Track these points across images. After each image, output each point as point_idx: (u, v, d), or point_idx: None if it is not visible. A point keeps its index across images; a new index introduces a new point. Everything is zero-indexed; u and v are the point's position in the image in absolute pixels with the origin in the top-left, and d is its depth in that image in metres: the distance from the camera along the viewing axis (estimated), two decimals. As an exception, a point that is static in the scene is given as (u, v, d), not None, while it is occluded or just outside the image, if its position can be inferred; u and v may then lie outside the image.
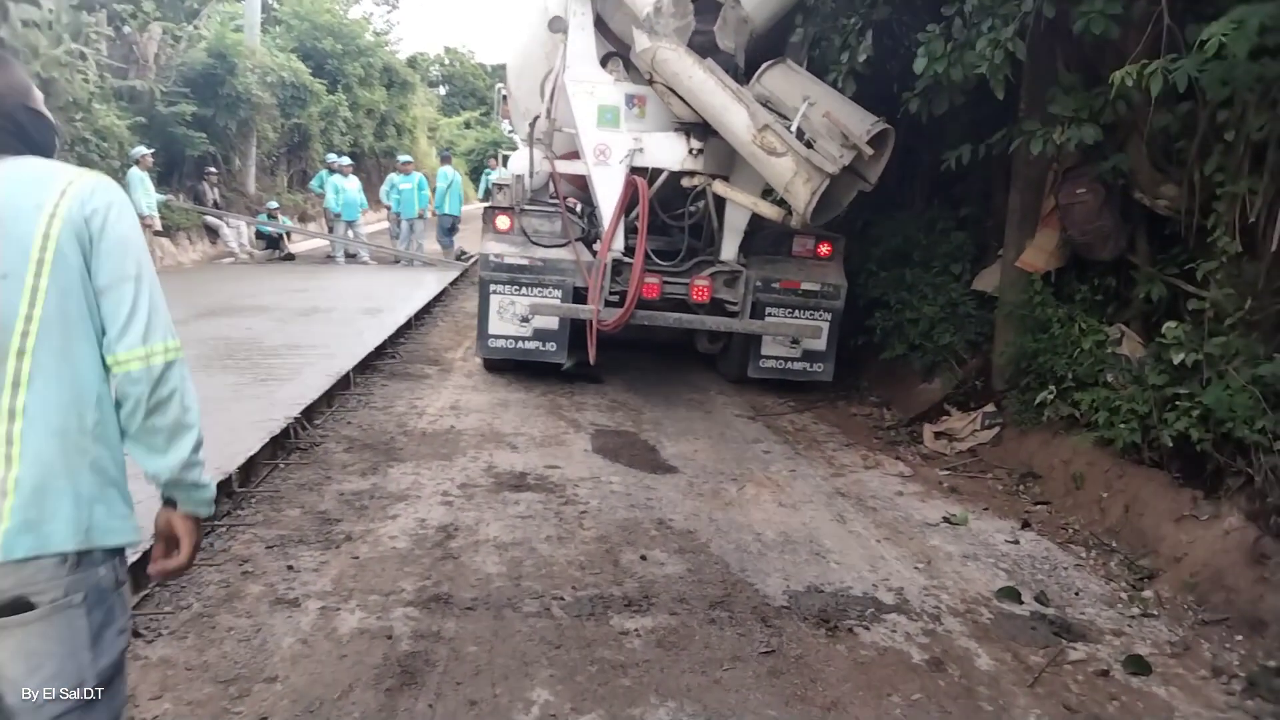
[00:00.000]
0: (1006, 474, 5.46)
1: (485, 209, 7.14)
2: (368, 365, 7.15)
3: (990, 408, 6.07)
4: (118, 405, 1.59)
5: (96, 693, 1.54)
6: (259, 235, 15.77)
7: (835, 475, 5.43)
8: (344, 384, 6.46)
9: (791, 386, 7.58)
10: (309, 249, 16.65)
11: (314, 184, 17.23)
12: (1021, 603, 3.80)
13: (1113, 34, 4.52)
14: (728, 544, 4.22)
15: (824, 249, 6.97)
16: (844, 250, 7.06)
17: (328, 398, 6.05)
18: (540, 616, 3.40)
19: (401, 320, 8.79)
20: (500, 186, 7.41)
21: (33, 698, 1.47)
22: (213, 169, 14.92)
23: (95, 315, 1.55)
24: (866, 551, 4.26)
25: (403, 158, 15.60)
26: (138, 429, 1.58)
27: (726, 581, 3.82)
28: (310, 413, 5.64)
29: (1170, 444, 4.28)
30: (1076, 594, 3.93)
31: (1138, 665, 3.28)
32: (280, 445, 5.02)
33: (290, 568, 3.64)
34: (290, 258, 15.62)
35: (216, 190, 15.11)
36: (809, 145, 5.26)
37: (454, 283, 12.58)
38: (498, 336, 6.76)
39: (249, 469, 4.49)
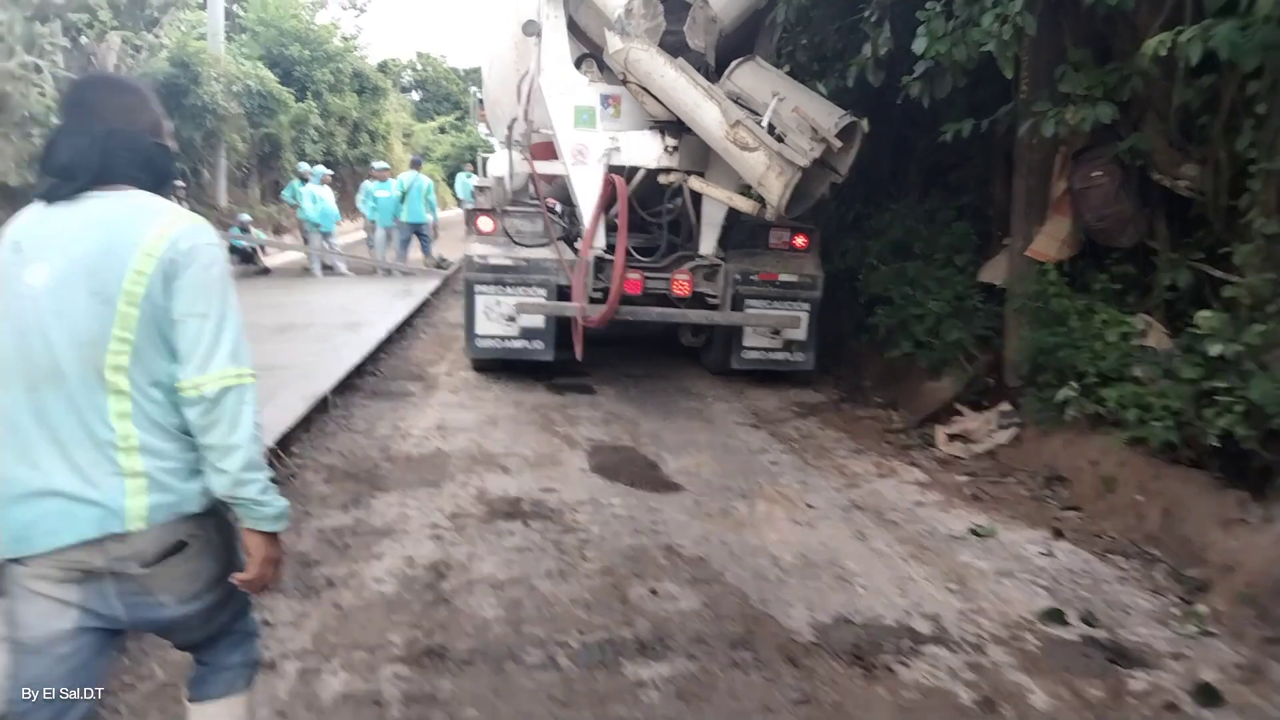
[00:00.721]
0: (1029, 477, 5.16)
1: (467, 212, 7.11)
2: (347, 385, 6.76)
3: (1005, 406, 5.77)
4: (191, 426, 1.81)
5: (229, 585, 1.93)
6: (232, 250, 15.29)
7: (849, 486, 5.12)
8: (322, 407, 6.07)
9: (790, 388, 7.31)
10: (284, 262, 16.18)
11: (286, 194, 16.74)
12: (1068, 625, 3.50)
13: (1128, 5, 4.23)
14: (744, 571, 3.89)
15: (800, 240, 7.08)
16: (820, 242, 7.18)
17: (305, 423, 5.66)
18: (545, 668, 3.06)
19: (382, 335, 8.40)
20: (482, 189, 7.52)
21: (190, 591, 1.87)
22: (179, 182, 14.42)
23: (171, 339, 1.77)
24: (893, 572, 3.95)
25: (378, 164, 15.16)
26: (199, 444, 1.80)
27: (746, 616, 3.49)
28: (287, 441, 5.25)
29: (1215, 443, 3.98)
30: (1125, 612, 3.63)
31: (1208, 695, 2.97)
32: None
33: (266, 622, 3.27)
34: (265, 272, 15.16)
35: (185, 204, 14.64)
36: (780, 140, 5.33)
37: (436, 292, 12.18)
38: (485, 336, 6.84)
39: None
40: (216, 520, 1.90)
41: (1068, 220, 5.29)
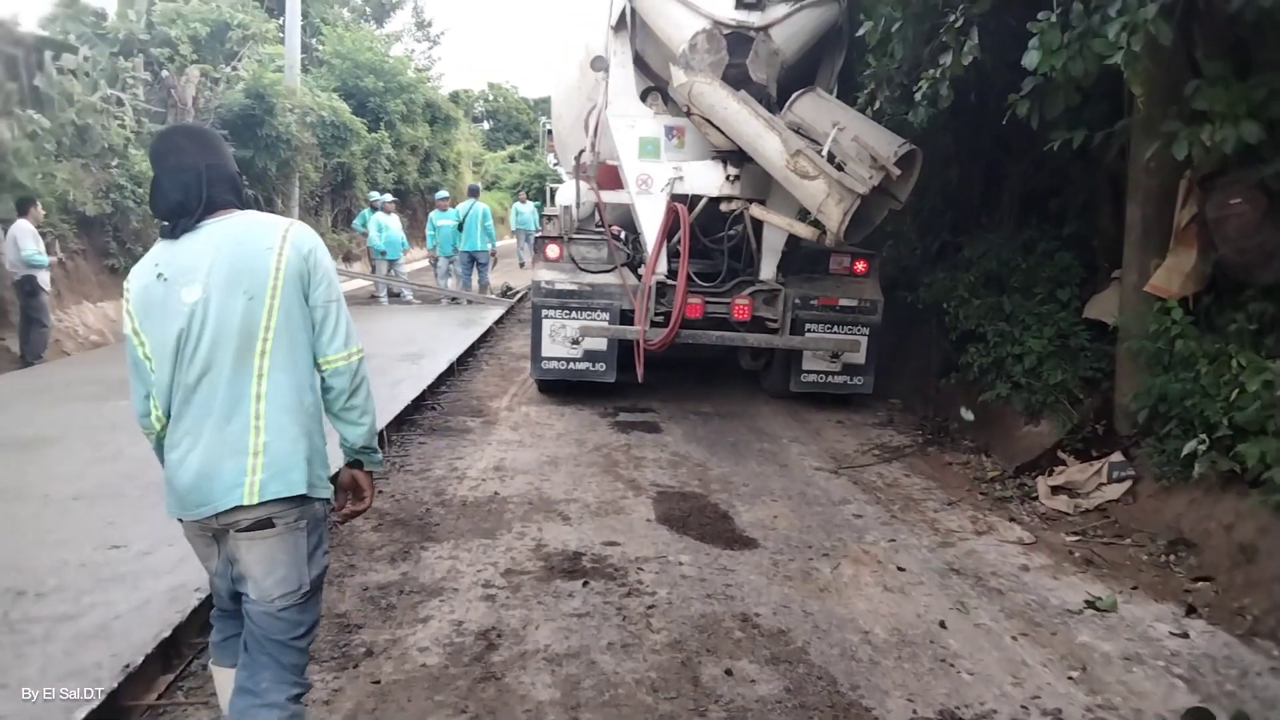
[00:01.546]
0: (1149, 539, 4.59)
1: (536, 239, 7.43)
2: (404, 420, 6.52)
3: (1117, 457, 5.20)
4: (325, 392, 2.21)
5: (309, 595, 2.15)
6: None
7: (943, 545, 4.61)
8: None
9: (871, 428, 6.84)
10: (353, 289, 16.24)
11: (357, 223, 16.86)
12: (1220, 730, 2.96)
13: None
14: (830, 648, 3.44)
15: (860, 266, 7.21)
16: (879, 267, 7.32)
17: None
18: (605, 768, 2.66)
19: (442, 366, 8.17)
20: (550, 217, 7.80)
21: (268, 592, 2.09)
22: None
23: (308, 326, 2.13)
24: (1003, 654, 3.45)
25: (439, 194, 15.13)
26: (341, 408, 2.23)
27: (836, 706, 3.04)
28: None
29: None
30: (1287, 715, 3.07)
31: None
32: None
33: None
34: (333, 299, 15.23)
35: (257, 233, 14.81)
36: (840, 168, 5.43)
37: (500, 320, 11.98)
38: (550, 358, 7.06)
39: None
40: (312, 520, 2.17)
41: (1194, 253, 4.74)
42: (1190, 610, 3.86)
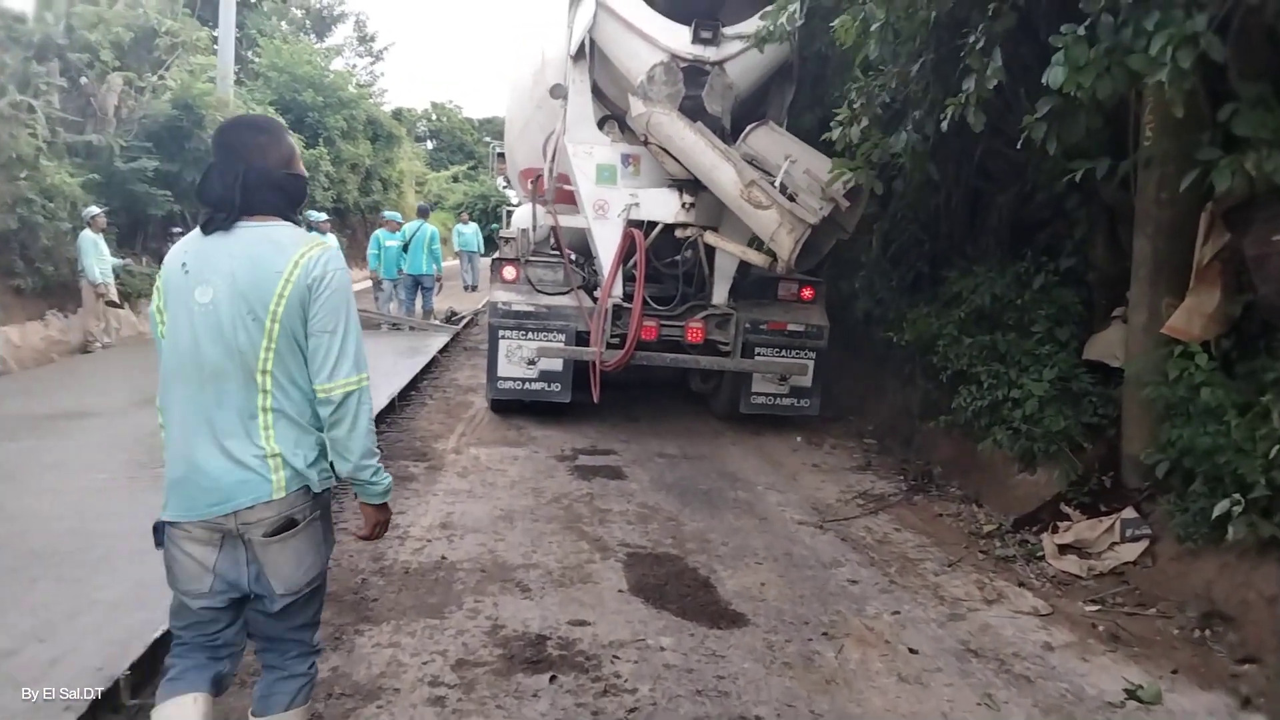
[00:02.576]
0: (1177, 610, 4.13)
1: (493, 260, 7.47)
2: (339, 466, 5.82)
3: (1129, 514, 4.76)
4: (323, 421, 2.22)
5: (322, 575, 2.31)
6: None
7: (953, 618, 4.10)
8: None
9: (850, 473, 6.36)
10: (286, 313, 15.39)
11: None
12: None
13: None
14: (851, 765, 2.88)
15: (807, 292, 7.40)
16: (825, 293, 7.53)
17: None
18: None
19: (382, 402, 7.46)
20: (506, 239, 7.81)
21: (297, 582, 2.19)
22: (179, 229, 13.64)
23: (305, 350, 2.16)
24: (1052, 768, 2.92)
25: (388, 214, 14.39)
26: (326, 436, 2.21)
27: None
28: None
29: None
30: None
31: None
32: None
33: None
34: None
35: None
36: (791, 199, 5.63)
37: (445, 349, 11.27)
38: (506, 379, 7.11)
39: (153, 661, 3.12)
40: (323, 511, 2.25)
41: (1217, 292, 4.34)
42: (1245, 702, 3.39)
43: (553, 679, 3.31)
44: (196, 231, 2.15)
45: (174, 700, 2.16)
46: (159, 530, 2.17)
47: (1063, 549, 4.85)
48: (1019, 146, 4.36)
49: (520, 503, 5.44)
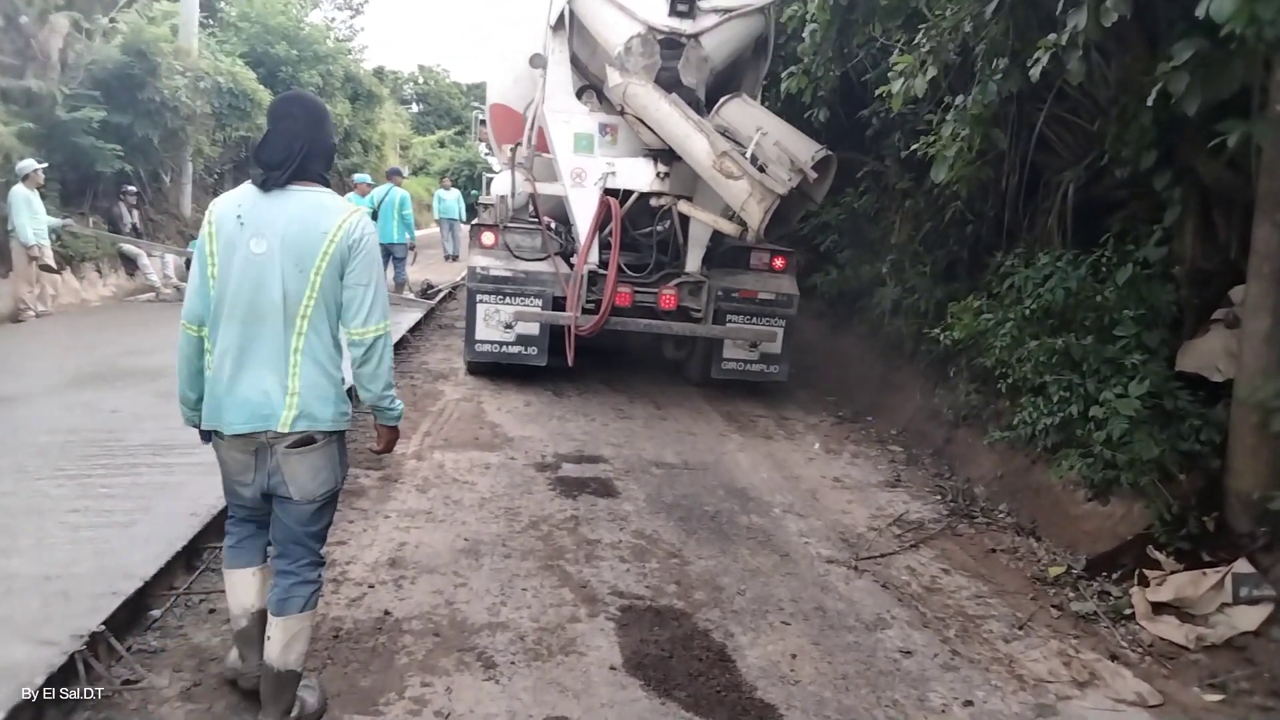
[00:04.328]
0: (1327, 705, 3.23)
1: (472, 226, 7.63)
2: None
3: (1243, 567, 3.85)
4: (352, 360, 2.61)
5: (334, 492, 2.69)
6: (190, 264, 13.39)
7: (1042, 712, 3.17)
8: (212, 527, 4.16)
9: (882, 490, 5.44)
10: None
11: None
12: None
13: None
14: None
15: (779, 262, 7.54)
16: (797, 264, 7.73)
17: (187, 555, 3.74)
18: None
19: (337, 392, 6.44)
20: (486, 206, 7.98)
21: (310, 492, 2.58)
22: (131, 187, 12.52)
23: (337, 300, 2.53)
24: None
25: (358, 176, 13.28)
26: (355, 372, 2.62)
27: None
28: (149, 593, 3.34)
29: None
30: None
31: None
32: (72, 679, 2.71)
33: None
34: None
35: (136, 213, 12.71)
36: (762, 170, 5.70)
37: (416, 328, 10.23)
38: (484, 342, 7.25)
39: None
40: (339, 440, 2.64)
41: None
42: None
43: (519, 827, 2.37)
44: (249, 187, 2.52)
45: (239, 571, 2.76)
46: (206, 434, 2.63)
47: (1157, 607, 3.93)
48: (1096, 111, 3.37)
49: (489, 529, 4.47)
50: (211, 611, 3.41)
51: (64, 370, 6.89)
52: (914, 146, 5.79)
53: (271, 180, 2.46)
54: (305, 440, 2.50)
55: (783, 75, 6.59)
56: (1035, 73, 3.68)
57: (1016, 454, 5.41)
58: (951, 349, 5.93)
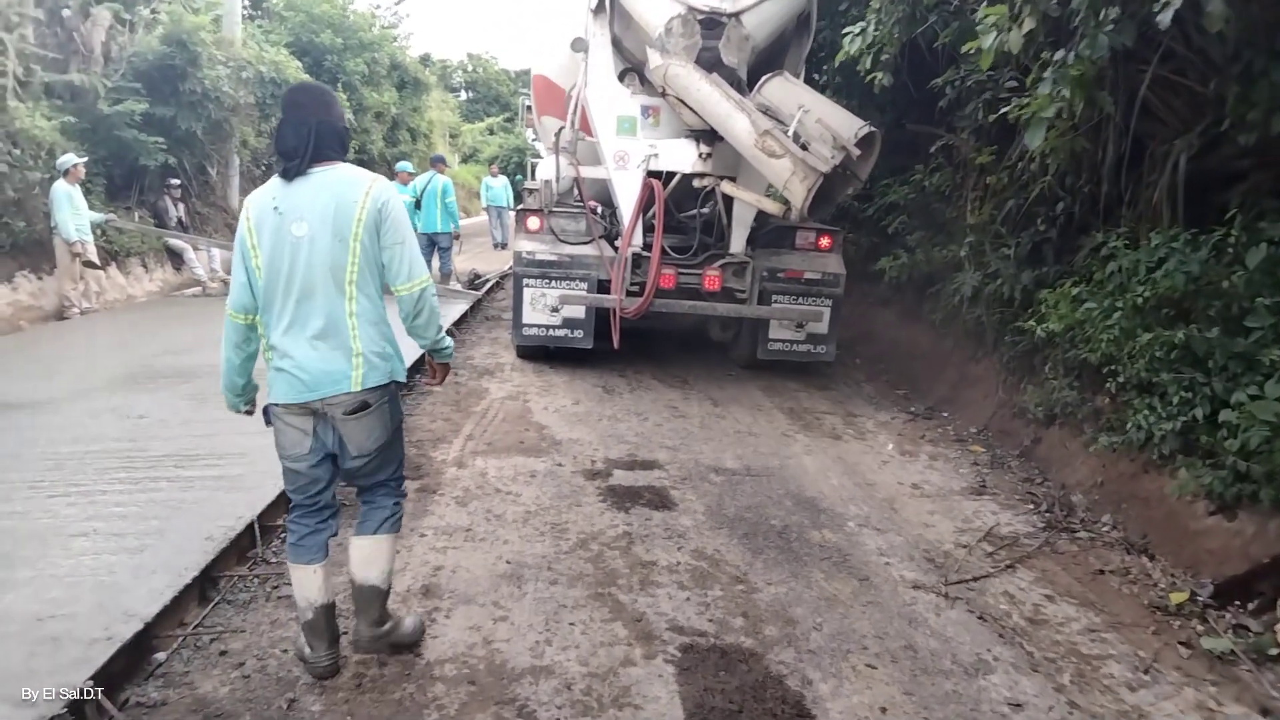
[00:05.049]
0: None
1: (518, 211, 7.62)
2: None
3: None
4: (400, 315, 2.86)
5: (392, 439, 2.92)
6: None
7: (1190, 788, 2.65)
8: (248, 540, 3.81)
9: (968, 499, 4.91)
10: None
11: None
12: None
13: None
14: None
15: (824, 241, 7.44)
16: (842, 242, 7.60)
17: (201, 584, 3.38)
18: None
19: (375, 393, 6.08)
20: (531, 191, 8.14)
21: (367, 448, 2.82)
22: (175, 180, 12.37)
23: (378, 262, 2.74)
24: None
25: (400, 165, 12.97)
26: (408, 326, 2.91)
27: None
28: (153, 633, 2.98)
29: None
30: None
31: None
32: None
33: None
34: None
35: (181, 206, 12.57)
36: (804, 148, 5.60)
37: (460, 321, 9.87)
38: (531, 325, 7.31)
39: None
40: (390, 396, 2.85)
41: None
42: None
43: None
44: (277, 179, 2.70)
45: (302, 567, 2.86)
46: (267, 413, 2.81)
47: (1310, 648, 3.36)
48: (1208, 71, 2.77)
49: (534, 549, 4.05)
50: (223, 654, 3.04)
51: (97, 371, 6.64)
52: (1003, 110, 5.18)
53: (292, 168, 2.66)
54: (361, 405, 2.73)
55: (843, 37, 5.99)
56: (1166, 18, 3.11)
57: (1120, 458, 4.83)
58: (1043, 341, 5.35)
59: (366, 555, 2.93)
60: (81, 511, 3.91)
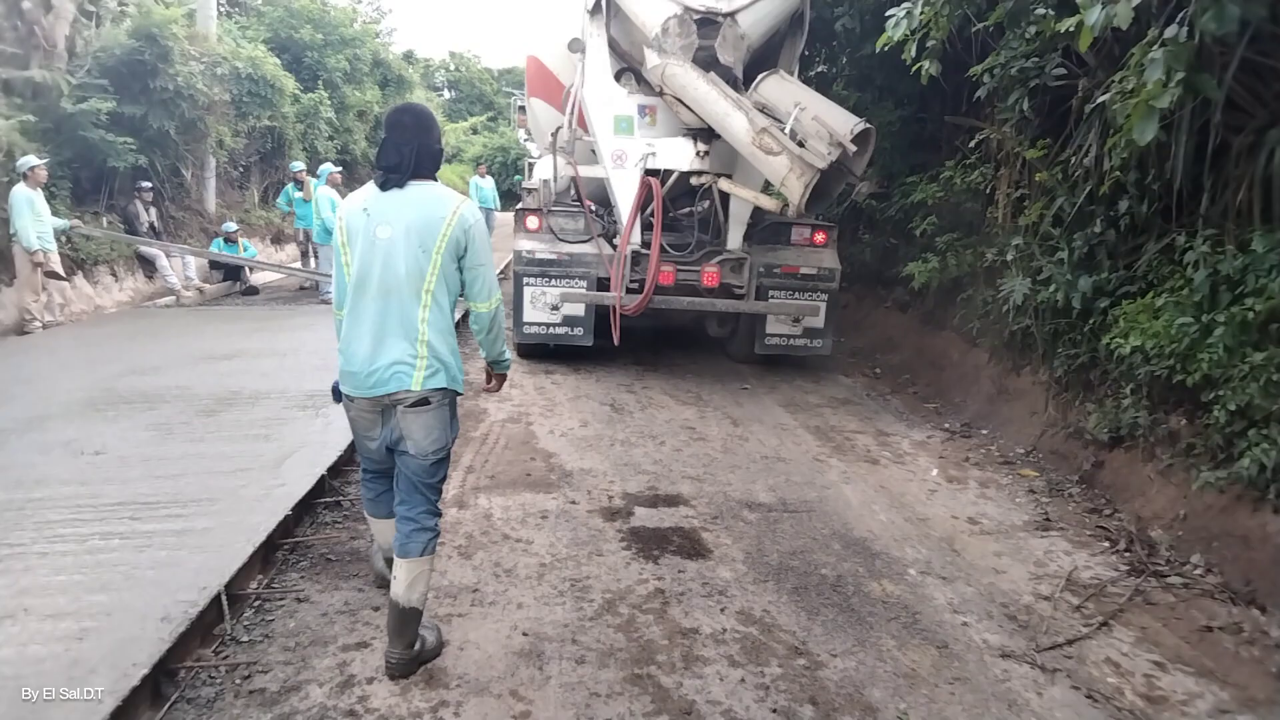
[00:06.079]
0: None
1: (516, 210, 7.61)
2: (274, 546, 3.85)
3: None
4: (471, 325, 3.19)
5: (447, 450, 3.03)
6: (213, 266, 12.57)
7: None
8: (214, 613, 3.19)
9: (1041, 537, 4.34)
10: (280, 278, 13.45)
11: (281, 200, 13.99)
12: None
13: None
14: None
15: (819, 237, 7.55)
16: (837, 238, 7.73)
17: (153, 682, 2.76)
18: None
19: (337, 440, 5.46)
20: (529, 190, 8.28)
21: (425, 449, 2.93)
22: (147, 183, 11.69)
23: (456, 277, 2.92)
24: None
25: (294, 165, 12.51)
26: (480, 340, 3.23)
27: None
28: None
29: None
30: None
31: None
32: None
33: None
34: (253, 291, 12.45)
35: (153, 210, 11.89)
36: (801, 145, 5.71)
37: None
38: (531, 324, 7.36)
39: None
40: (450, 401, 3.00)
41: None
42: None
43: None
44: (372, 186, 2.90)
45: (382, 520, 3.24)
46: (336, 390, 3.02)
47: None
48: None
49: (554, 615, 3.45)
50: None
51: (54, 396, 6.00)
52: (1100, 99, 4.60)
53: (390, 181, 2.86)
54: (422, 400, 2.88)
55: (887, 21, 5.40)
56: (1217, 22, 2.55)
57: (1205, 489, 4.27)
58: (1106, 354, 4.78)
59: (413, 578, 2.95)
60: (11, 584, 3.27)
